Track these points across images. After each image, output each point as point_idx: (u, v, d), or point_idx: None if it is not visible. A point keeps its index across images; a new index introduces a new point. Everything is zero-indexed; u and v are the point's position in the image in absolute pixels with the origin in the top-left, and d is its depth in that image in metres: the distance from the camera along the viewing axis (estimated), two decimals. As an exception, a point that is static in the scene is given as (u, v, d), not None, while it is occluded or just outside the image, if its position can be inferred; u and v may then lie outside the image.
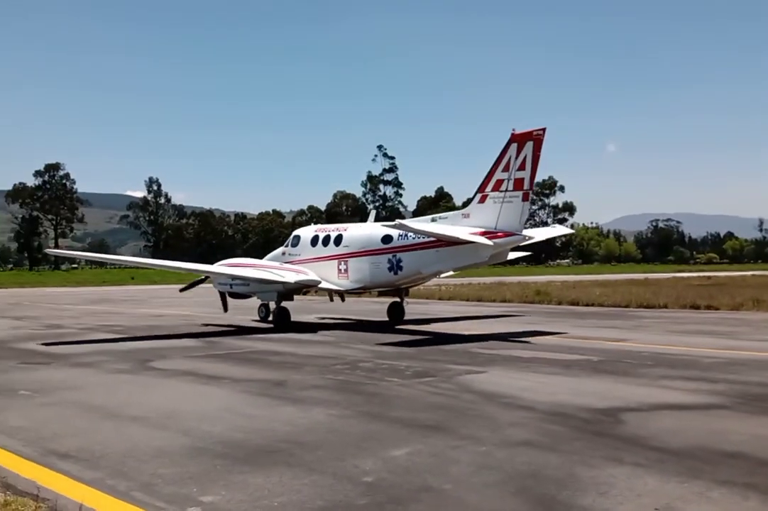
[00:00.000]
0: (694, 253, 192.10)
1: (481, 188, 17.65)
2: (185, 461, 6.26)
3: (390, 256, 18.71)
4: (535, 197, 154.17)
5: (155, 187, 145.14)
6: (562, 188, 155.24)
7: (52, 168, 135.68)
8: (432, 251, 18.01)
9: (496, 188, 17.30)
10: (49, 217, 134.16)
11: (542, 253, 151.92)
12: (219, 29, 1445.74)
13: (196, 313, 24.80)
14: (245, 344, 15.35)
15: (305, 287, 20.06)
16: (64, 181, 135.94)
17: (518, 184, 17.07)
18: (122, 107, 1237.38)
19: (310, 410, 8.33)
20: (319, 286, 19.86)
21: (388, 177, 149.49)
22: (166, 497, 5.33)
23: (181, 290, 23.91)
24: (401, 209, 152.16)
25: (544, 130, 16.94)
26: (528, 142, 16.98)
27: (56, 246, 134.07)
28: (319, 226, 22.79)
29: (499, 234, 17.11)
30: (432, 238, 17.85)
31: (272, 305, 20.02)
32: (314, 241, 20.80)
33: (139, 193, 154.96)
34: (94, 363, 12.54)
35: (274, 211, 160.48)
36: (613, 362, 12.23)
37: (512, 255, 24.78)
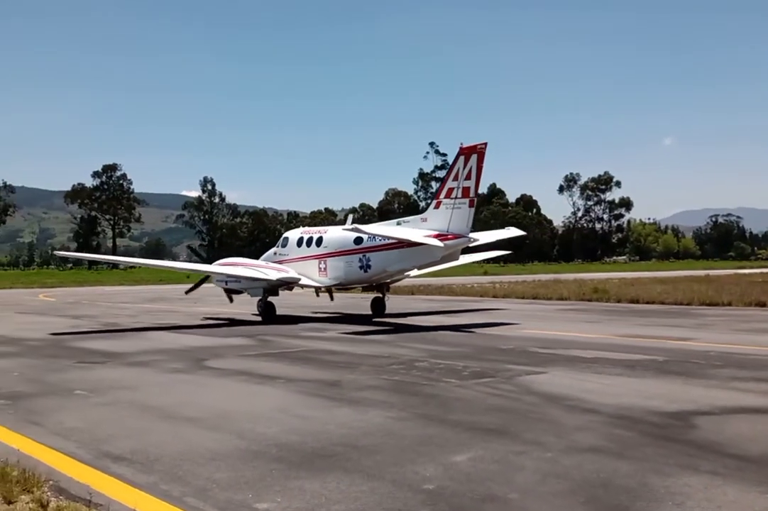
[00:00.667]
0: (756, 249, 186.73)
1: (437, 195, 19.98)
2: (240, 465, 6.10)
3: (361, 256, 20.79)
4: (590, 193, 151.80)
5: (210, 187, 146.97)
6: (618, 184, 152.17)
7: (110, 169, 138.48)
8: (396, 252, 20.08)
9: (447, 196, 19.38)
10: (107, 217, 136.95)
11: (598, 250, 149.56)
12: (273, 29, 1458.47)
13: (247, 311, 24.86)
14: (299, 343, 15.23)
15: (286, 284, 21.87)
16: (121, 181, 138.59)
17: (465, 192, 19.11)
18: (178, 107, 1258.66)
19: (366, 411, 8.11)
20: (303, 282, 21.89)
21: (440, 174, 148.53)
22: (221, 503, 5.17)
23: (187, 292, 26.11)
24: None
25: (485, 144, 19.03)
26: (473, 154, 19.01)
27: (114, 246, 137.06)
28: (305, 228, 24.75)
29: (449, 236, 19.08)
30: (394, 241, 19.86)
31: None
32: (300, 242, 22.78)
33: (194, 192, 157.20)
34: (149, 362, 12.55)
35: (326, 209, 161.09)
36: (679, 362, 11.75)
37: (492, 254, 29.48)
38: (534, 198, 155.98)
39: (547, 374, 10.57)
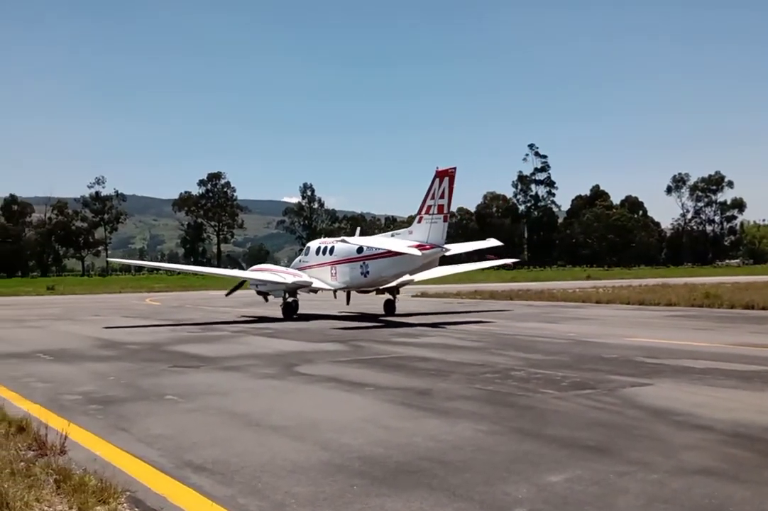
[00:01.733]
0: None
1: (419, 211, 23.01)
2: (321, 478, 5.83)
3: (362, 263, 24.01)
4: (701, 194, 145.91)
5: (309, 193, 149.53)
6: (730, 184, 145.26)
7: (214, 177, 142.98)
8: (388, 259, 23.26)
9: (427, 212, 22.62)
10: (212, 223, 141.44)
11: (709, 253, 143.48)
12: (367, 31, 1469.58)
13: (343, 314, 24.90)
14: (391, 349, 14.95)
15: (300, 287, 25.08)
16: (225, 189, 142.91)
17: (440, 209, 22.38)
18: (276, 114, 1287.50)
19: (455, 423, 7.70)
20: (316, 285, 25.06)
21: (540, 176, 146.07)
22: (297, 521, 4.90)
23: (227, 295, 30.13)
24: (554, 209, 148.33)
25: (455, 168, 22.36)
26: (445, 177, 22.29)
27: (219, 252, 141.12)
28: (322, 239, 28.38)
29: (427, 246, 22.28)
30: (384, 250, 23.16)
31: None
32: (318, 251, 26.08)
33: (295, 199, 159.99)
34: (242, 367, 12.53)
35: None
36: (801, 374, 10.81)
37: (500, 262, 36.43)
38: (640, 199, 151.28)
39: (654, 386, 9.87)
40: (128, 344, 16.68)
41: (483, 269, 41.36)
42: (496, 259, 36.36)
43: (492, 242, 30.48)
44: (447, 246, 23.19)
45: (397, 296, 25.97)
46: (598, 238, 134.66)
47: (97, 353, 15.08)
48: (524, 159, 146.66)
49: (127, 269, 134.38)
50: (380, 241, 24.21)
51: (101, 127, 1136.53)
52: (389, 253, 23.00)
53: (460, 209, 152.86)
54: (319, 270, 25.38)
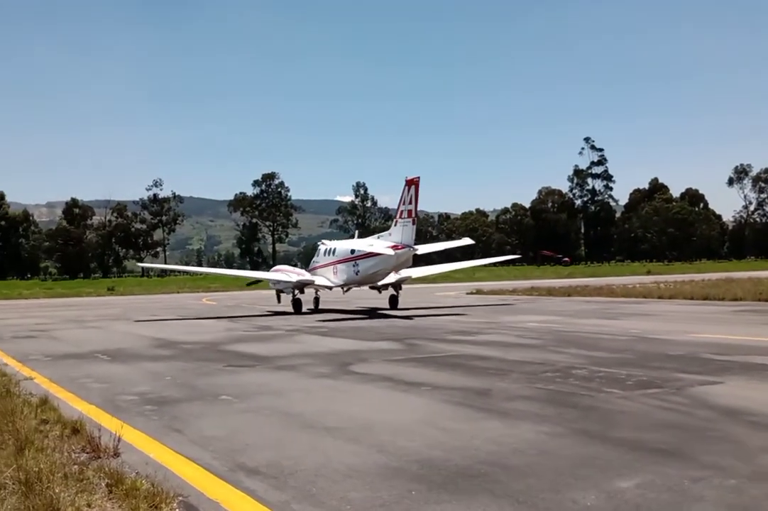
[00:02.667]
0: None
1: (395, 216, 26.50)
2: (378, 483, 5.60)
3: (354, 262, 26.84)
4: (764, 185, 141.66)
5: (362, 192, 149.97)
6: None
7: (269, 178, 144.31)
8: (372, 258, 26.07)
9: (400, 216, 25.87)
10: (267, 223, 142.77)
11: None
12: (414, 30, 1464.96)
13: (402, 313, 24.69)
14: (447, 348, 14.66)
15: (304, 285, 27.96)
16: (279, 189, 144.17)
17: (410, 213, 25.52)
18: (327, 114, 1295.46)
19: (516, 425, 7.40)
20: (318, 283, 27.94)
21: (597, 170, 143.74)
22: (352, 529, 4.68)
23: (248, 285, 35.97)
24: (612, 203, 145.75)
25: (419, 177, 25.65)
26: (412, 185, 25.56)
27: (273, 251, 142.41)
28: (330, 241, 30.90)
29: (399, 247, 25.29)
30: (367, 251, 26.08)
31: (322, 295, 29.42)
32: (325, 252, 29.02)
33: (348, 198, 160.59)
34: (296, 366, 12.39)
35: (477, 210, 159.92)
36: None
37: (500, 259, 43.55)
38: (701, 192, 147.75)
39: (724, 385, 9.39)
40: (184, 344, 16.74)
41: (486, 265, 47.86)
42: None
43: (465, 241, 33.49)
44: (416, 246, 26.32)
45: (400, 291, 28.53)
46: (658, 232, 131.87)
47: (153, 353, 15.14)
48: (580, 153, 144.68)
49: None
50: (366, 243, 27.48)
51: (158, 132, 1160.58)
52: (371, 254, 25.97)
53: (514, 205, 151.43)
54: (325, 269, 28.40)
